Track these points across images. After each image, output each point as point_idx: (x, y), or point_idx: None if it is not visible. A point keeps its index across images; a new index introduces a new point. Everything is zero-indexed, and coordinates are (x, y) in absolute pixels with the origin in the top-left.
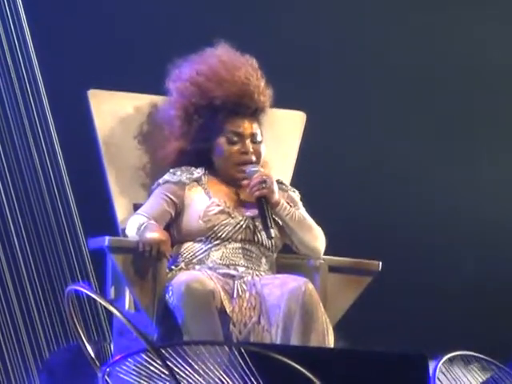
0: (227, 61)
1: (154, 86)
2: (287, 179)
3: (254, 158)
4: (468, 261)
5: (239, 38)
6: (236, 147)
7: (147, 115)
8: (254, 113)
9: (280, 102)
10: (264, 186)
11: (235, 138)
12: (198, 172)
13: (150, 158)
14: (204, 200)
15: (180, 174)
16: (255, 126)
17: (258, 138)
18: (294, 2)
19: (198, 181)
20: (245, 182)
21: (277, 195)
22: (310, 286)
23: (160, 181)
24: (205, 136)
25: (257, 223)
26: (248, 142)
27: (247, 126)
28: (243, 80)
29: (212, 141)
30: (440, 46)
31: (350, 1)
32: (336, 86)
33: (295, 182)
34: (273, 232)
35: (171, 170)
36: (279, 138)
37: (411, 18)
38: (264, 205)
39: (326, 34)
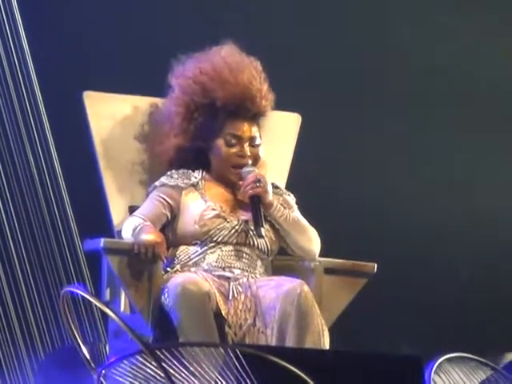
0: (232, 62)
1: (149, 87)
2: (283, 180)
3: (250, 162)
4: (465, 262)
5: (236, 38)
6: (233, 150)
7: (142, 117)
8: (255, 116)
9: (275, 104)
10: (258, 185)
11: (233, 141)
12: (195, 177)
13: (146, 159)
14: (200, 204)
15: (177, 178)
16: (254, 129)
17: (257, 142)
18: (292, 4)
19: (194, 186)
20: (240, 183)
21: (271, 196)
22: (306, 287)
23: (157, 183)
24: (204, 135)
25: (252, 227)
26: (246, 145)
27: (246, 129)
28: (246, 83)
29: (210, 141)
30: (450, 48)
31: (347, 5)
32: (331, 87)
33: (290, 184)
34: (263, 231)
35: (168, 173)
36: (274, 140)
37: (411, 22)
38: (257, 204)
39: (323, 34)
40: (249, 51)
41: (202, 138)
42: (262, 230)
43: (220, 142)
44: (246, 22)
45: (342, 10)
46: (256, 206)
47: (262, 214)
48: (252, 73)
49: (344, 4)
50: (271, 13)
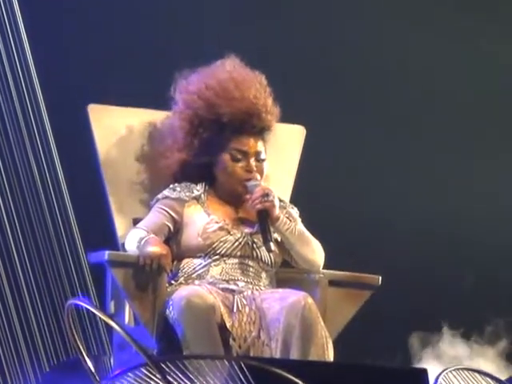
0: (237, 77)
1: (154, 101)
2: (287, 193)
3: (258, 176)
4: (468, 273)
5: (240, 51)
6: (240, 164)
7: (147, 130)
8: (260, 131)
9: (280, 116)
10: (266, 199)
11: (239, 156)
12: (197, 190)
13: (150, 172)
14: (203, 217)
15: (180, 191)
16: (260, 144)
17: (262, 157)
18: (294, 15)
19: (197, 199)
20: (246, 197)
21: (277, 210)
22: (310, 300)
23: (159, 196)
24: (208, 150)
25: (255, 239)
26: (252, 160)
27: (252, 145)
28: (252, 99)
29: (215, 156)
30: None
31: (350, 17)
32: (335, 99)
33: (295, 196)
34: (272, 245)
35: (171, 186)
36: (279, 153)
37: (412, 32)
38: (265, 218)
39: (326, 47)
40: (252, 64)
41: (207, 153)
42: (271, 244)
43: (226, 157)
44: (250, 35)
45: (346, 23)
46: (264, 220)
47: (270, 228)
48: (257, 88)
49: (348, 17)
50: (275, 26)
